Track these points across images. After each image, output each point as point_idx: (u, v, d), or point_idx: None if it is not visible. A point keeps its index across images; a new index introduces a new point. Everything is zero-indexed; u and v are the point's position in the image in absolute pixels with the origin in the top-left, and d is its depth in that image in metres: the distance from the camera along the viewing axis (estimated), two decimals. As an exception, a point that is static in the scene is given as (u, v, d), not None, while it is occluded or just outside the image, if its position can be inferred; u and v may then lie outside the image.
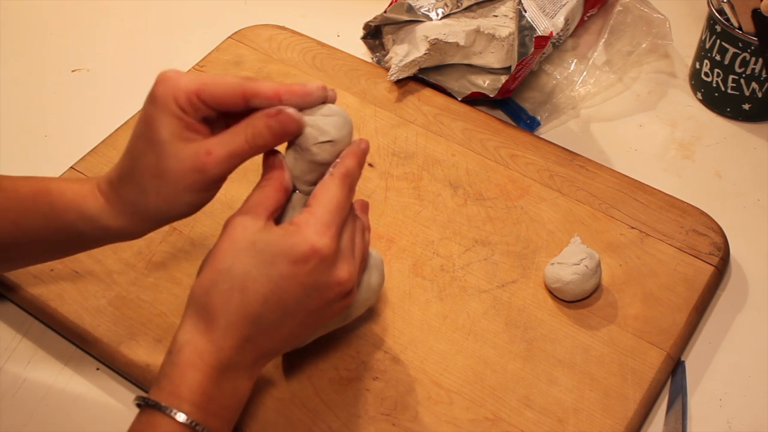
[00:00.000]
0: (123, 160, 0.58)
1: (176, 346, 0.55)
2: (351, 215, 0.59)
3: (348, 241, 0.58)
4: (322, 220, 0.55)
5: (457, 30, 0.86)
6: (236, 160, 0.56)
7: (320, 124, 0.57)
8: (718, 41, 0.83)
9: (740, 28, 0.82)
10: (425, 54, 0.86)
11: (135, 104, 0.65)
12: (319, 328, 0.62)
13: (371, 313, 0.71)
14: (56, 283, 0.74)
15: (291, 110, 0.56)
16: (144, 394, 0.55)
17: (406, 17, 0.88)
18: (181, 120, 0.56)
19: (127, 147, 0.58)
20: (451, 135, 0.84)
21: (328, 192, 0.57)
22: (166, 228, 0.73)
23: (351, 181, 0.58)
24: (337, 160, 0.58)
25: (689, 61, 0.91)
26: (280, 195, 0.57)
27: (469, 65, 0.89)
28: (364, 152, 0.59)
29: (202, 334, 0.55)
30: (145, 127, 0.57)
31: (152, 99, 0.56)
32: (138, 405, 0.55)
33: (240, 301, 0.54)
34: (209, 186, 0.57)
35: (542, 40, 0.81)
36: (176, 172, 0.56)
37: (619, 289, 0.72)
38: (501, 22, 0.88)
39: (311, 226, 0.55)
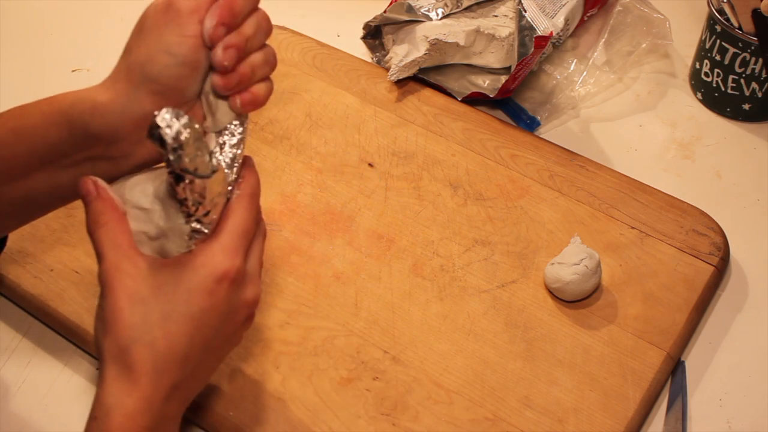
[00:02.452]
0: None
1: (102, 410, 0.51)
2: (258, 232, 0.57)
3: (255, 262, 0.56)
4: (229, 246, 0.54)
5: (457, 30, 0.86)
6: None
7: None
8: (718, 41, 0.83)
9: (740, 28, 0.82)
10: (425, 54, 0.86)
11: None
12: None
13: (371, 314, 0.71)
14: (56, 283, 0.74)
15: None
16: None
17: (406, 17, 0.88)
18: None
19: None
20: (451, 135, 0.84)
21: (235, 217, 0.55)
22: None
23: (257, 201, 0.56)
24: (240, 179, 0.56)
25: (689, 61, 0.91)
26: (125, 224, 0.54)
27: (469, 65, 0.89)
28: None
29: (129, 394, 0.51)
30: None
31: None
32: None
33: (165, 349, 0.52)
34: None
35: (542, 40, 0.81)
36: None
37: (619, 289, 0.72)
38: (501, 22, 0.88)
39: (217, 253, 0.53)
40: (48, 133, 0.58)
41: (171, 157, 0.49)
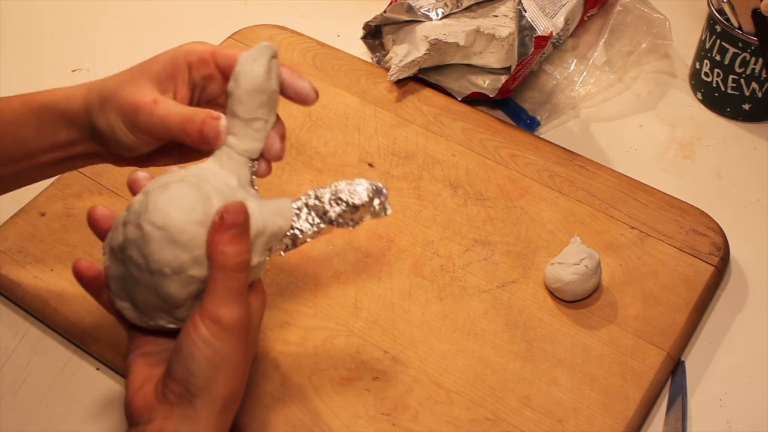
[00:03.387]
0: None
1: None
2: None
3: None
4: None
5: (457, 30, 0.86)
6: (166, 129, 0.56)
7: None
8: (718, 41, 0.83)
9: (740, 28, 0.82)
10: (425, 54, 0.86)
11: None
12: None
13: (371, 314, 0.71)
14: (56, 283, 0.74)
15: (223, 124, 0.56)
16: None
17: (406, 17, 0.88)
18: (178, 74, 0.58)
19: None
20: (451, 135, 0.84)
21: None
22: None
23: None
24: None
25: (689, 61, 0.91)
26: (246, 273, 0.54)
27: (469, 65, 0.89)
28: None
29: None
30: (150, 60, 0.59)
31: (173, 49, 0.59)
32: None
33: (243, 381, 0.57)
34: (132, 127, 0.57)
35: (542, 40, 0.81)
36: (126, 94, 0.57)
37: (619, 289, 0.72)
38: (501, 22, 0.88)
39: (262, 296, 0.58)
40: (18, 130, 0.60)
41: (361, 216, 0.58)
